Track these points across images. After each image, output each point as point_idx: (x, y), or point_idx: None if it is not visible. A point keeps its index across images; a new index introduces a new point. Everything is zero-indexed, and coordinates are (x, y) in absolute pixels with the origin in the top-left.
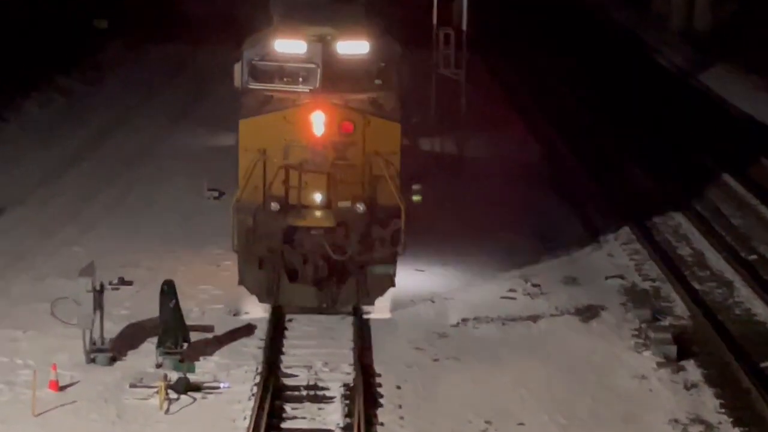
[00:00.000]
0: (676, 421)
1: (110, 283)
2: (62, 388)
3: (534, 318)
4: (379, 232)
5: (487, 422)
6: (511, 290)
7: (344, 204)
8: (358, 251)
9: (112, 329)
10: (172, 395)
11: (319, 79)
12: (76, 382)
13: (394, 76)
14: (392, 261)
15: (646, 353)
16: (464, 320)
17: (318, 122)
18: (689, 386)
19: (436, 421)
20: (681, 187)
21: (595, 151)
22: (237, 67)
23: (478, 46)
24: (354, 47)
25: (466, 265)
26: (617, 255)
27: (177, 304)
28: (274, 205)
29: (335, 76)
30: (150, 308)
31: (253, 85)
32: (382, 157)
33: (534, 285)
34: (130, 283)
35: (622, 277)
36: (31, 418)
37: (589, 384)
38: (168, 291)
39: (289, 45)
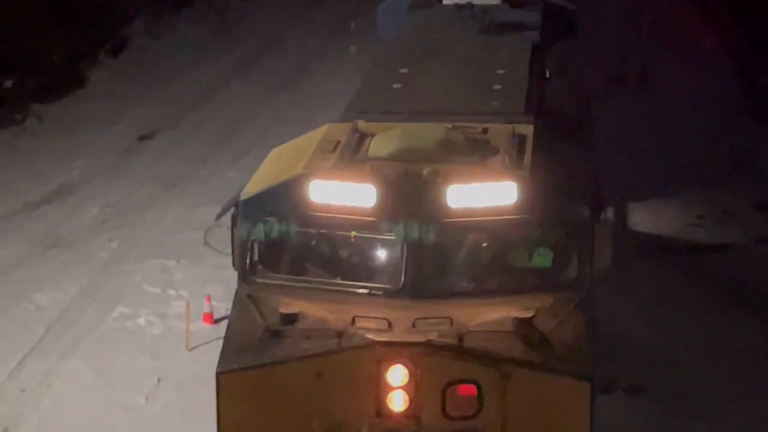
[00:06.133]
0: None
1: None
2: (217, 321)
3: (724, 248)
4: None
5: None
6: (699, 217)
7: None
8: None
9: None
10: None
11: (405, 270)
12: None
13: (579, 259)
14: None
15: None
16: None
17: (397, 382)
18: None
19: None
20: None
21: None
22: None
23: None
24: (489, 194)
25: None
26: None
27: None
28: None
29: (441, 262)
30: None
31: (264, 279)
32: None
33: (725, 212)
34: None
35: None
36: (185, 352)
37: None
38: None
39: (340, 190)
